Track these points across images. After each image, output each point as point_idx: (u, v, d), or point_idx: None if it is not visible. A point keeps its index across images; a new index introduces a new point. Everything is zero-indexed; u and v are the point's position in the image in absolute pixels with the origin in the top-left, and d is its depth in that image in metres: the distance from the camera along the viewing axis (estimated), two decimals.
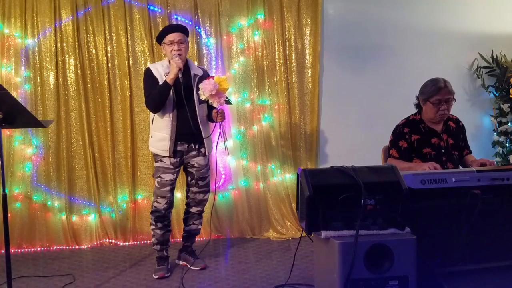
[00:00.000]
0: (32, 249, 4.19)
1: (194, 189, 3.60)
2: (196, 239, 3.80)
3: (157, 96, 3.34)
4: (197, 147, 3.50)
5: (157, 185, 3.48)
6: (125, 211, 4.32)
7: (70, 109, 4.25)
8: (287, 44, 4.44)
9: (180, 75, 3.30)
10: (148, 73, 3.45)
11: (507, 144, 4.75)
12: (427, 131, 3.22)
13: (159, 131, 3.44)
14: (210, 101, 3.29)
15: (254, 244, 4.22)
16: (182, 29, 3.46)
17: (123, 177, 4.31)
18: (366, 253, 2.33)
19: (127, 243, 4.29)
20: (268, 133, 4.48)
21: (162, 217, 3.50)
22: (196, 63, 3.93)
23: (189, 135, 3.41)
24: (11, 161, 4.19)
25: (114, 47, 4.24)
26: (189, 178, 3.63)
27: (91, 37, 4.22)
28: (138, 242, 4.29)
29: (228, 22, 4.37)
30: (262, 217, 4.47)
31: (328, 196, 2.38)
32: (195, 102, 3.42)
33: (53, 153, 4.24)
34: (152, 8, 4.25)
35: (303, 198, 2.44)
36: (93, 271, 3.65)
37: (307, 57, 4.47)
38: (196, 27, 4.32)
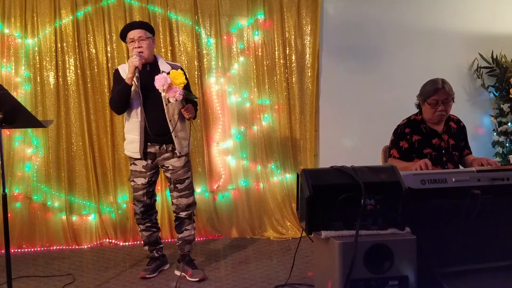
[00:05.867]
0: (32, 249, 4.18)
1: (174, 193, 3.43)
2: (196, 239, 3.77)
3: (117, 97, 3.25)
4: (170, 148, 3.36)
5: (133, 189, 3.46)
6: (125, 211, 4.32)
7: (70, 109, 4.25)
8: (287, 44, 4.44)
9: (137, 74, 3.19)
10: (115, 75, 3.35)
11: (507, 144, 4.75)
12: (428, 132, 3.21)
13: (129, 133, 3.35)
14: (166, 96, 3.17)
15: (254, 244, 4.22)
16: (142, 26, 3.33)
17: (123, 177, 4.31)
18: (366, 253, 2.33)
19: (127, 243, 4.29)
20: (268, 133, 4.48)
21: (141, 219, 3.49)
22: (164, 59, 3.66)
23: (158, 135, 3.27)
24: (11, 161, 4.19)
25: (114, 47, 4.24)
26: (169, 183, 3.48)
27: (91, 37, 4.22)
28: (138, 242, 4.28)
29: (228, 22, 4.37)
30: (262, 217, 4.47)
31: (328, 196, 2.38)
32: (163, 100, 3.27)
33: (53, 153, 4.24)
34: (152, 8, 4.25)
35: (303, 198, 2.45)
36: (93, 271, 3.65)
37: (307, 57, 4.47)
38: (196, 27, 4.32)
